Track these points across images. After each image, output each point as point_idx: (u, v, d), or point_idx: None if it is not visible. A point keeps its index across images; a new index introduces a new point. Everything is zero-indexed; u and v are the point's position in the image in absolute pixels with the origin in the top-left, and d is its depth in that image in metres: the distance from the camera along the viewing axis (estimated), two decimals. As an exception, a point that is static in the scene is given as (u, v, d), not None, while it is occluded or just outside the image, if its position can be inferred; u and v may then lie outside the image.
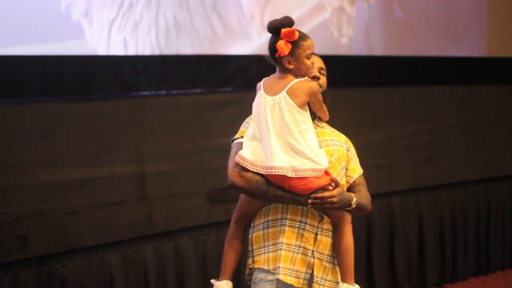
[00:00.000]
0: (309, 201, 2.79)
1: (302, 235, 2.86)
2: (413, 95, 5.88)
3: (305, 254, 2.87)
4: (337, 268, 2.95)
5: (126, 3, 4.50)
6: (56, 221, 4.04)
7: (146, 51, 4.59)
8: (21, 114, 4.06)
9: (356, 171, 3.05)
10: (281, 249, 2.85)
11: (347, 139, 3.07)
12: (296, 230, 2.86)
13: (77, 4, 4.30)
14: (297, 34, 2.78)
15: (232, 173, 2.85)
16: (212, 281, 2.97)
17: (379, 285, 5.44)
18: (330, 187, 2.81)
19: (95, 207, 4.18)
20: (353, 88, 5.58)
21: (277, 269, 2.84)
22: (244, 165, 2.81)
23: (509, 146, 6.32)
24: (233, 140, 2.98)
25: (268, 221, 2.90)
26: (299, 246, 2.86)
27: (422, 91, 5.95)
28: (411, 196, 5.68)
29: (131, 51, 4.54)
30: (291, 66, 2.81)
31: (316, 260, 2.88)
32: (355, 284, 2.91)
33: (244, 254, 3.10)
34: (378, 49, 5.86)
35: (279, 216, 2.88)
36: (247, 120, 3.00)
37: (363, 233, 5.39)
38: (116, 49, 4.50)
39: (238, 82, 4.94)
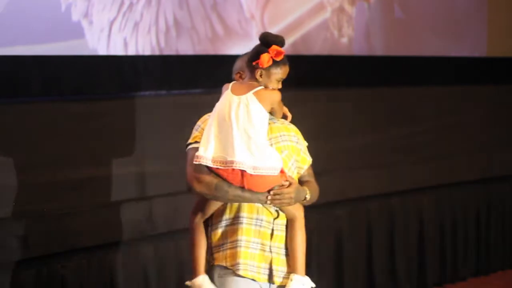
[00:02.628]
0: (269, 197, 2.89)
1: (259, 232, 2.96)
2: (413, 95, 5.88)
3: (263, 250, 2.97)
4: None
5: (126, 3, 4.49)
6: (56, 221, 4.04)
7: (146, 51, 4.59)
8: (21, 114, 4.06)
9: (306, 161, 3.11)
10: (240, 246, 2.94)
11: (296, 130, 3.11)
12: (253, 227, 2.95)
13: (77, 4, 4.30)
14: (282, 56, 2.91)
15: (190, 179, 2.95)
16: (188, 283, 3.01)
17: (379, 285, 5.44)
18: (286, 183, 2.91)
19: (95, 207, 4.18)
20: (353, 88, 5.58)
21: (237, 265, 2.93)
22: (204, 164, 2.88)
23: (509, 146, 6.32)
24: (188, 145, 3.03)
25: (226, 219, 2.98)
26: (258, 243, 2.95)
27: (422, 91, 5.95)
28: (411, 196, 5.68)
29: (131, 51, 4.54)
30: (260, 79, 2.93)
31: (274, 255, 2.98)
32: (305, 275, 2.99)
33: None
34: (378, 49, 5.86)
35: (236, 214, 2.96)
36: (199, 123, 3.07)
37: (363, 233, 5.39)
38: (116, 49, 4.50)
39: (238, 82, 4.93)
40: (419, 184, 5.80)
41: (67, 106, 4.24)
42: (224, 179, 2.88)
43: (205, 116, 3.07)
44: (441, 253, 5.80)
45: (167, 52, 4.67)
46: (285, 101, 3.25)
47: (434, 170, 5.86)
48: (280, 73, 2.94)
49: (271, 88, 2.94)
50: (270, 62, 2.90)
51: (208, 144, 2.89)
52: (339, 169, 5.38)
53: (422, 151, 5.83)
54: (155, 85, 4.66)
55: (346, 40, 5.61)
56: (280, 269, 2.99)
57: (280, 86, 2.98)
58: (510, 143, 6.33)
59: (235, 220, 2.96)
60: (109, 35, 4.46)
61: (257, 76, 2.93)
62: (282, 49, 2.91)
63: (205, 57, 4.84)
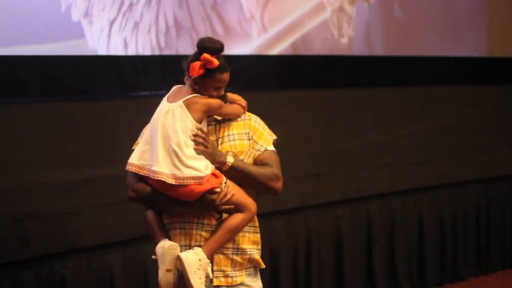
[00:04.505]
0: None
1: (201, 235, 2.89)
2: (413, 95, 5.88)
3: None
4: (250, 257, 2.97)
5: (126, 3, 4.50)
6: (56, 221, 4.04)
7: (146, 51, 4.59)
8: (21, 114, 4.06)
9: (262, 148, 3.00)
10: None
11: (250, 124, 3.02)
12: (194, 231, 2.89)
13: (77, 4, 4.31)
14: (215, 64, 2.81)
15: (128, 188, 2.92)
16: (153, 257, 2.93)
17: (379, 285, 5.44)
18: (218, 189, 2.83)
19: (95, 207, 4.18)
20: (353, 88, 5.57)
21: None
22: (133, 170, 2.85)
23: (509, 146, 6.32)
24: (132, 152, 3.00)
25: (169, 224, 2.94)
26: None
27: (422, 91, 5.95)
28: (411, 196, 5.68)
29: (131, 51, 4.55)
30: (196, 87, 2.86)
31: (221, 255, 2.91)
32: (206, 258, 2.83)
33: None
34: (378, 49, 5.86)
35: (178, 219, 2.92)
36: (143, 130, 3.04)
37: (363, 233, 5.39)
38: (116, 49, 4.50)
39: (238, 82, 4.92)
40: (419, 184, 5.80)
41: (67, 106, 4.24)
42: (155, 187, 2.84)
43: None
44: (441, 253, 5.80)
45: (167, 52, 4.67)
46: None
47: (434, 170, 5.86)
48: (215, 81, 2.84)
49: (207, 95, 2.86)
50: (202, 71, 2.81)
51: (140, 151, 2.87)
52: (339, 169, 5.38)
53: (422, 151, 5.83)
54: (155, 85, 4.66)
55: (346, 40, 5.61)
56: (230, 270, 2.92)
57: (220, 93, 2.89)
58: (510, 143, 6.33)
59: (177, 225, 2.91)
60: (109, 35, 4.46)
61: (192, 84, 2.86)
62: (212, 58, 2.80)
63: (205, 57, 4.83)
